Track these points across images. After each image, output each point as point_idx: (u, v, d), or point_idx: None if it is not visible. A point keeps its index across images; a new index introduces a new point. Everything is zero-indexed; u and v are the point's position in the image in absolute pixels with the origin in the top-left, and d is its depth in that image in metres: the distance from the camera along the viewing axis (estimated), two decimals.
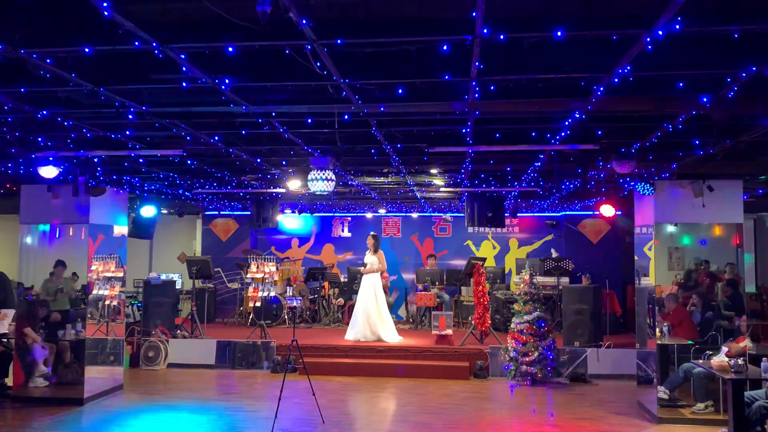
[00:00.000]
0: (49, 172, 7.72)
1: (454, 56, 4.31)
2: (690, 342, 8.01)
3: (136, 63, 4.69)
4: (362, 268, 11.60)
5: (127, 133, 6.87)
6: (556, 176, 8.75)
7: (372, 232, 11.91)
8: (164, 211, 14.46)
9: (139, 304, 12.48)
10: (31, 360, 8.74)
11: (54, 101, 5.63)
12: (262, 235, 15.70)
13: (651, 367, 7.95)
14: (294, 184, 9.77)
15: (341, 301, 13.69)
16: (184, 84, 4.98)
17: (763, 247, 14.00)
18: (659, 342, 7.87)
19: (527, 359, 9.54)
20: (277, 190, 11.50)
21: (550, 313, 11.59)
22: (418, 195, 12.12)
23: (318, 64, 4.40)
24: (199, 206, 14.77)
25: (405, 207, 14.90)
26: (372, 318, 11.04)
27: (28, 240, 9.22)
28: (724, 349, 6.97)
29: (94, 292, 8.94)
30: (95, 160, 8.18)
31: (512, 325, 9.90)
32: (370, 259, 11.35)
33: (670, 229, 8.41)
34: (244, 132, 6.76)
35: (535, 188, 10.74)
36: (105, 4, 3.51)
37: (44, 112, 5.81)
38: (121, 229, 9.58)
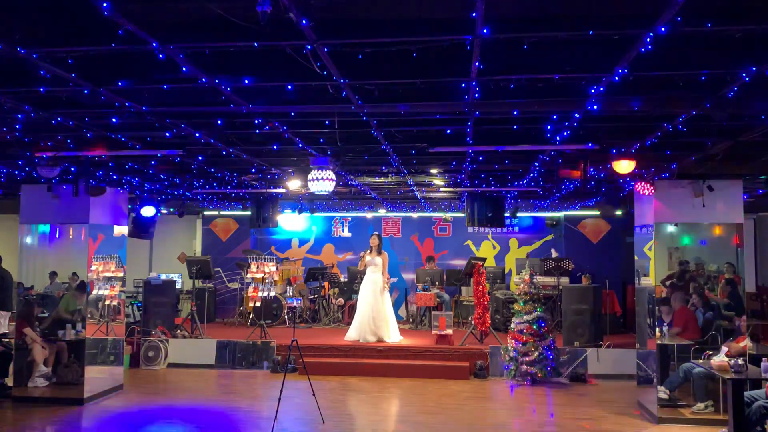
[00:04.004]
0: (49, 172, 7.72)
1: (454, 56, 4.31)
2: (690, 342, 8.01)
3: (136, 63, 4.69)
4: (360, 264, 11.58)
5: (127, 133, 6.87)
6: (557, 176, 8.75)
7: (376, 232, 11.87)
8: (164, 211, 14.45)
9: (139, 304, 12.47)
10: (31, 360, 8.74)
11: (54, 101, 5.62)
12: (262, 235, 15.69)
13: (651, 367, 7.94)
14: (294, 184, 9.77)
15: (341, 301, 13.69)
16: (184, 84, 4.97)
17: (763, 247, 14.00)
18: (659, 342, 7.87)
19: (527, 359, 9.54)
20: (277, 190, 11.50)
21: (550, 313, 11.59)
22: (418, 195, 12.12)
23: (318, 64, 4.40)
24: (199, 206, 14.77)
25: (405, 207, 14.90)
26: (376, 319, 10.99)
27: (28, 240, 9.22)
28: (724, 349, 6.97)
29: (95, 292, 8.94)
30: (95, 159, 8.18)
31: (512, 325, 9.90)
32: (375, 260, 11.29)
33: (670, 229, 8.41)
34: (244, 132, 6.76)
35: (535, 188, 10.73)
36: (105, 5, 3.51)
37: (44, 112, 5.81)
38: (121, 229, 9.58)
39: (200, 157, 8.24)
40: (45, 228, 9.15)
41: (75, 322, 8.83)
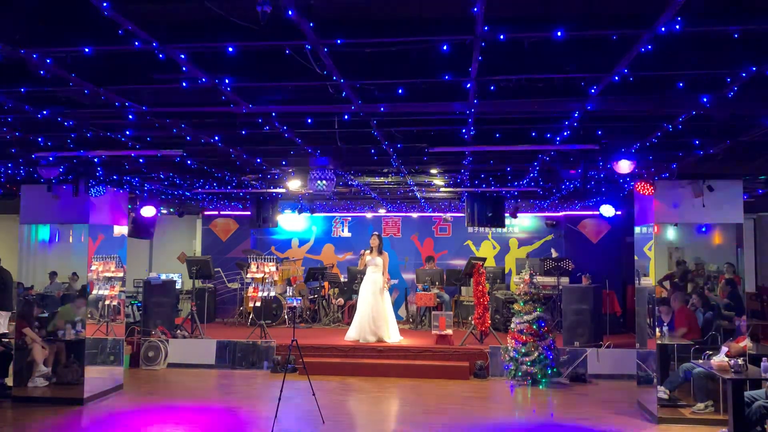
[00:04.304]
0: (49, 172, 7.72)
1: (454, 56, 4.31)
2: (690, 342, 8.01)
3: (136, 63, 4.69)
4: (360, 264, 11.61)
5: (127, 133, 6.87)
6: (556, 176, 8.75)
7: (376, 232, 11.88)
8: (164, 211, 14.46)
9: (139, 304, 12.48)
10: (31, 360, 8.74)
11: (54, 101, 5.62)
12: (262, 235, 15.69)
13: (651, 367, 7.95)
14: (294, 184, 9.77)
15: (341, 301, 13.69)
16: (184, 84, 4.97)
17: (763, 247, 14.00)
18: (659, 342, 7.87)
19: (527, 359, 9.54)
20: (277, 190, 11.50)
21: (550, 313, 11.59)
22: (418, 195, 12.12)
23: (318, 64, 4.40)
24: (199, 206, 14.77)
25: (405, 207, 14.90)
26: (376, 319, 10.98)
27: (28, 240, 9.22)
28: (724, 349, 6.97)
29: (95, 292, 8.94)
30: (95, 160, 8.18)
31: (512, 325, 9.90)
32: (375, 260, 11.30)
33: (670, 229, 8.40)
34: (244, 132, 6.76)
35: (535, 188, 10.73)
36: (105, 4, 3.51)
37: (44, 112, 5.81)
38: (121, 229, 9.58)
39: (200, 157, 8.24)
40: (45, 228, 9.15)
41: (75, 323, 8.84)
